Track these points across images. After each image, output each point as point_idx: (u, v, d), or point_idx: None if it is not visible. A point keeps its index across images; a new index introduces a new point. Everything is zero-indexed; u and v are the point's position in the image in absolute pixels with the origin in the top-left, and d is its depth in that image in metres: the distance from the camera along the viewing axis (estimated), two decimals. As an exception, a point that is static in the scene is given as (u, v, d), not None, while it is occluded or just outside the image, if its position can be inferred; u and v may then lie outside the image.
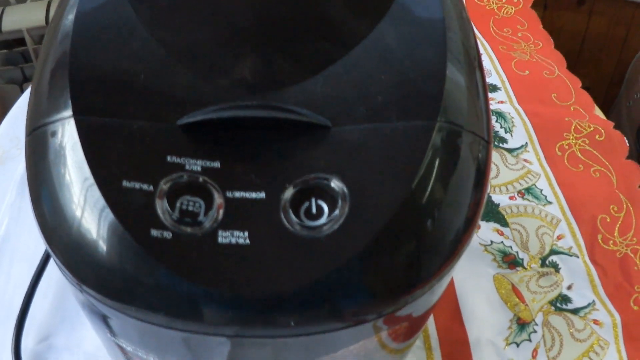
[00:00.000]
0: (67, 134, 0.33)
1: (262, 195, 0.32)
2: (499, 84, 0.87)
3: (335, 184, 0.32)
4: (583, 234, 0.70)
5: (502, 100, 0.84)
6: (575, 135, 0.80)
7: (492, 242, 0.68)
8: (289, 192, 0.32)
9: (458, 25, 0.40)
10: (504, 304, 0.63)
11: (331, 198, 0.32)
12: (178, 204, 0.32)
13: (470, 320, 0.62)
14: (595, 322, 0.63)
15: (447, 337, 0.60)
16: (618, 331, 0.62)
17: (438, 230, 0.34)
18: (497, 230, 0.69)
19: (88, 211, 0.32)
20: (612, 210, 0.73)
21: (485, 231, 0.69)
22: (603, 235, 0.70)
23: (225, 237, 0.31)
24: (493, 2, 1.02)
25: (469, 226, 0.36)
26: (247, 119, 0.34)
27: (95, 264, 0.32)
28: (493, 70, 0.89)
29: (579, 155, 0.78)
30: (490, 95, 0.86)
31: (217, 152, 0.33)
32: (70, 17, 0.37)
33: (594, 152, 0.79)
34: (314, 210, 0.32)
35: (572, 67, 0.92)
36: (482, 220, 0.70)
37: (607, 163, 0.78)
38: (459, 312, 0.62)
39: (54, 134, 0.34)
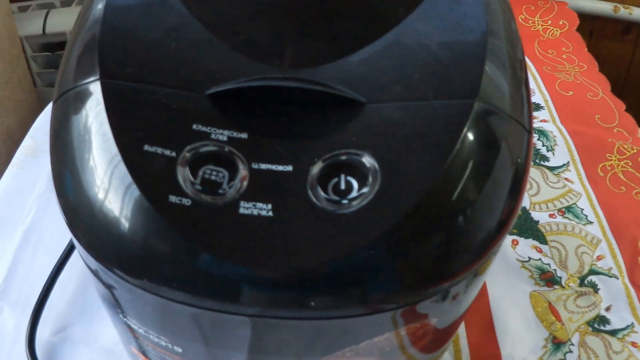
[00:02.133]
0: (92, 97, 0.32)
1: (290, 168, 0.31)
2: (542, 103, 0.85)
3: (367, 160, 0.31)
4: (623, 255, 0.67)
5: (544, 119, 0.82)
6: (618, 156, 0.78)
7: (530, 258, 0.66)
8: (317, 167, 0.31)
9: (500, 10, 0.38)
10: (540, 322, 0.61)
11: (361, 175, 0.31)
12: (200, 173, 0.31)
13: (503, 336, 0.59)
14: (634, 344, 0.60)
15: (479, 353, 0.58)
16: (657, 356, 0.59)
17: (470, 218, 0.32)
18: (536, 248, 0.67)
19: (106, 175, 0.31)
20: (654, 233, 0.70)
21: (523, 247, 0.66)
22: (645, 258, 0.67)
23: (247, 208, 0.30)
24: (538, 24, 1.00)
25: (505, 221, 0.34)
26: (278, 91, 0.33)
27: (111, 230, 0.31)
28: (537, 89, 0.87)
29: (622, 176, 0.76)
30: (533, 114, 0.83)
31: (245, 124, 0.32)
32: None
33: (637, 174, 0.76)
34: (342, 186, 0.31)
35: (618, 95, 0.89)
36: (521, 236, 0.68)
37: (649, 186, 0.75)
38: (492, 327, 0.60)
39: (79, 97, 0.33)
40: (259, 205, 0.30)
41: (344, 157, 0.31)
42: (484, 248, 0.33)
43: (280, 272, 0.29)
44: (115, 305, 0.36)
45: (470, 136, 0.32)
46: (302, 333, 0.34)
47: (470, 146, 0.32)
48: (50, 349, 0.55)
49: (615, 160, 0.78)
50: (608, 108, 0.85)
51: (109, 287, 0.35)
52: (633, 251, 0.68)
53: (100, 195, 0.31)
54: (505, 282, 0.63)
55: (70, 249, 0.58)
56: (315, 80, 0.33)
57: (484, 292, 0.62)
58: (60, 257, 0.58)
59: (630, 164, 0.78)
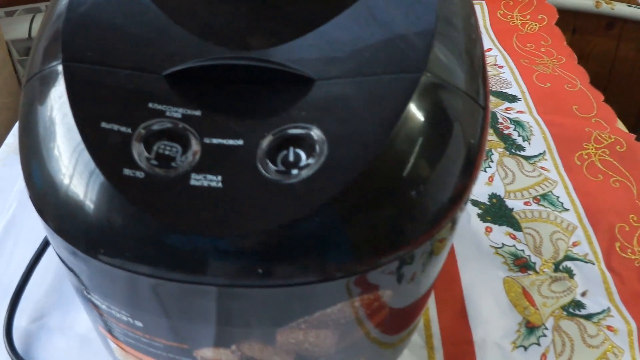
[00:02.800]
0: (55, 79, 0.34)
1: (240, 142, 0.32)
2: (519, 95, 0.85)
3: (315, 133, 0.32)
4: (600, 242, 0.68)
5: (521, 110, 0.83)
6: (595, 145, 0.79)
7: (503, 244, 0.66)
8: (267, 140, 0.32)
9: (456, 2, 0.39)
10: (513, 307, 0.61)
11: (309, 147, 0.32)
12: (155, 148, 0.32)
13: (476, 321, 0.60)
14: (610, 328, 0.60)
15: (451, 337, 0.58)
16: (634, 339, 0.59)
17: (417, 189, 0.33)
18: (510, 234, 0.67)
19: (65, 150, 0.32)
20: (631, 220, 0.70)
21: (497, 234, 0.67)
22: (621, 243, 0.68)
23: (197, 179, 0.31)
24: (517, 19, 1.01)
25: (457, 195, 0.35)
26: (231, 71, 0.34)
27: (69, 204, 0.32)
28: (514, 82, 0.88)
29: (599, 165, 0.76)
30: (509, 105, 0.85)
31: (199, 102, 0.33)
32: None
33: (614, 162, 0.77)
34: (291, 158, 0.32)
35: (602, 92, 0.90)
36: (495, 224, 0.68)
37: (627, 174, 0.76)
38: (464, 312, 0.60)
39: (44, 80, 0.34)
40: (209, 176, 0.31)
41: (292, 131, 0.32)
42: (432, 220, 0.34)
43: (228, 240, 0.30)
44: (78, 281, 0.37)
45: (417, 107, 0.33)
46: (253, 302, 0.34)
47: (417, 117, 0.33)
48: (28, 337, 0.55)
49: (592, 149, 0.78)
50: (586, 99, 0.86)
51: (70, 263, 0.36)
52: (610, 238, 0.69)
53: (60, 171, 0.32)
54: (478, 268, 0.64)
55: (47, 241, 0.58)
56: (266, 59, 0.34)
57: (456, 277, 0.63)
58: (38, 248, 0.59)
59: (607, 152, 0.78)
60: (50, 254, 0.59)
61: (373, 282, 0.35)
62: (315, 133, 0.32)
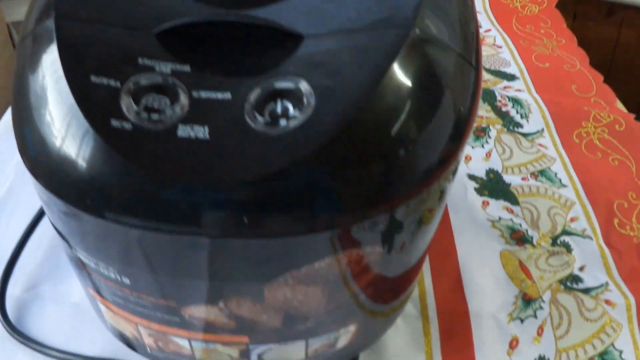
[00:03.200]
0: (46, 37, 0.34)
1: (228, 95, 0.32)
2: (518, 74, 0.85)
3: (302, 86, 0.32)
4: (598, 218, 0.67)
5: (519, 89, 0.83)
6: (594, 124, 0.78)
7: (500, 218, 0.66)
8: (254, 93, 0.32)
9: None
10: (510, 280, 0.61)
11: (297, 99, 0.32)
12: (143, 101, 0.32)
13: (472, 293, 0.59)
14: (608, 302, 0.60)
15: (446, 309, 0.58)
16: (632, 313, 0.59)
17: (402, 144, 0.33)
18: (507, 208, 0.67)
19: (55, 104, 0.32)
20: (630, 197, 0.70)
21: (494, 208, 0.67)
22: (620, 220, 0.68)
23: (184, 131, 0.31)
24: (517, 1, 1.01)
25: (446, 153, 0.35)
26: (222, 28, 0.34)
27: (57, 156, 0.32)
28: (512, 61, 0.87)
29: (597, 143, 0.76)
30: (507, 83, 0.84)
31: (189, 58, 0.33)
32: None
33: (613, 141, 0.76)
34: (278, 110, 0.32)
35: (604, 77, 0.89)
36: (492, 197, 0.68)
37: (626, 152, 0.75)
38: (460, 284, 0.60)
39: (36, 38, 0.35)
40: (196, 128, 0.31)
41: (280, 84, 0.32)
42: (418, 177, 0.34)
43: (213, 190, 0.31)
44: (68, 240, 0.37)
45: (405, 61, 0.33)
46: (240, 254, 0.34)
47: (405, 71, 0.33)
48: (21, 306, 0.55)
49: (591, 128, 0.78)
50: (585, 79, 0.85)
51: (60, 218, 0.36)
52: (608, 214, 0.68)
53: (48, 124, 0.32)
54: (474, 240, 0.63)
55: (42, 212, 0.58)
56: (255, 16, 0.34)
57: (452, 249, 0.63)
58: (33, 218, 0.59)
59: (606, 131, 0.78)
60: (44, 225, 0.59)
61: (358, 238, 0.35)
62: (303, 86, 0.32)
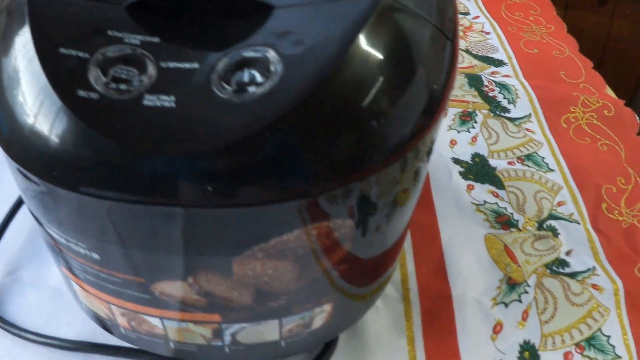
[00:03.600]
0: (19, 11, 0.34)
1: (196, 65, 0.32)
2: (506, 60, 0.84)
3: (270, 54, 0.31)
4: (586, 202, 0.66)
5: (507, 75, 0.82)
6: (582, 109, 0.77)
7: (485, 202, 0.65)
8: (222, 62, 0.32)
9: None
10: (494, 264, 0.59)
11: (264, 68, 0.31)
12: (111, 72, 0.32)
13: (455, 276, 0.58)
14: (595, 287, 0.58)
15: (429, 292, 0.57)
16: (620, 298, 0.58)
17: (370, 114, 0.32)
18: (492, 192, 0.66)
19: (24, 75, 0.32)
20: (619, 182, 0.69)
21: (479, 192, 0.65)
22: (608, 204, 0.66)
23: (151, 100, 0.31)
24: (506, -12, 1.00)
25: (419, 126, 0.34)
26: (191, 1, 0.33)
27: (25, 128, 0.32)
28: (500, 47, 0.86)
29: (586, 128, 0.75)
30: (495, 69, 0.83)
31: (158, 30, 0.33)
32: None
33: (602, 126, 0.75)
34: (245, 78, 0.31)
35: (596, 69, 0.88)
36: (477, 182, 0.67)
37: (615, 138, 0.74)
38: (443, 268, 0.58)
39: (9, 14, 0.35)
40: (163, 97, 0.31)
41: (247, 53, 0.32)
42: (386, 150, 0.33)
43: (178, 158, 0.30)
44: (38, 214, 0.37)
45: (375, 29, 0.32)
46: (207, 225, 0.33)
47: (374, 38, 0.32)
48: (1, 290, 0.55)
49: (579, 113, 0.77)
50: (574, 65, 0.84)
51: (29, 193, 0.35)
52: (596, 199, 0.67)
53: (17, 94, 0.32)
54: (458, 224, 0.62)
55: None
56: None
57: (436, 232, 0.61)
58: (13, 204, 0.59)
59: (595, 116, 0.77)
60: (26, 210, 0.59)
61: (326, 210, 0.34)
62: (270, 54, 0.31)
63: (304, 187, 0.32)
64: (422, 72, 0.34)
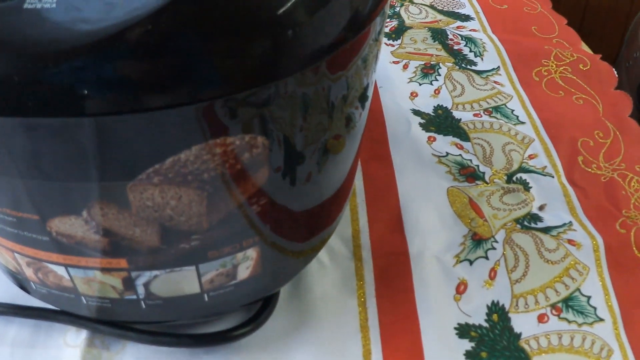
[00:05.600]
0: None
1: None
2: (473, 15, 0.79)
3: None
4: (560, 155, 0.60)
5: (474, 29, 0.76)
6: (555, 62, 0.71)
7: (447, 153, 0.58)
8: None
9: None
10: (458, 219, 0.53)
11: None
12: None
13: (413, 233, 0.51)
14: (571, 242, 0.52)
15: (382, 249, 0.50)
16: (600, 255, 0.51)
17: (278, 19, 0.28)
18: (456, 144, 0.59)
19: None
20: (596, 136, 0.63)
21: (441, 143, 0.59)
22: (585, 157, 0.60)
23: (31, 3, 0.28)
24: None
25: (337, 39, 0.30)
26: None
27: None
28: (467, 2, 0.80)
29: (560, 82, 0.69)
30: (461, 24, 0.77)
31: None
32: None
33: (577, 80, 0.69)
34: None
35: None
36: (439, 133, 0.60)
37: (592, 92, 0.68)
38: (401, 224, 0.52)
39: None
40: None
41: None
42: (295, 61, 0.29)
43: (59, 59, 0.27)
44: None
45: None
46: (88, 141, 0.29)
47: None
48: None
49: (552, 66, 0.71)
50: (547, 21, 0.78)
51: None
52: (572, 152, 0.61)
53: None
54: (417, 176, 0.56)
55: None
56: None
57: (392, 185, 0.55)
58: None
59: (569, 70, 0.71)
60: None
61: (224, 119, 0.29)
62: None
63: (194, 86, 0.27)
64: None
